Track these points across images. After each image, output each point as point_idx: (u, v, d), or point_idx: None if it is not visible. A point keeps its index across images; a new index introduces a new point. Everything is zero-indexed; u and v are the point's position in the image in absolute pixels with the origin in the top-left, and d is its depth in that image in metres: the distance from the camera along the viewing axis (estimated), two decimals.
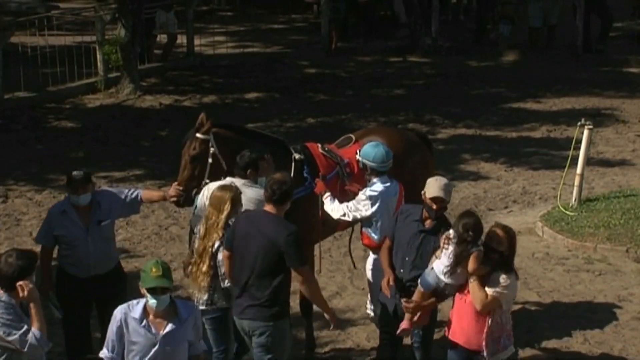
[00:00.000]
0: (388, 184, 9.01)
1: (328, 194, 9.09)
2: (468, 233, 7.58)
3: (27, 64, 18.50)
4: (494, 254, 7.62)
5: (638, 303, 10.71)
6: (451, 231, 7.75)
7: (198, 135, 9.10)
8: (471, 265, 7.62)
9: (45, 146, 16.01)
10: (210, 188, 8.59)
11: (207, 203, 8.38)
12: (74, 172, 8.73)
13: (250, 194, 8.46)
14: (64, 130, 16.92)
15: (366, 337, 9.91)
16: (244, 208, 8.24)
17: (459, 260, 7.63)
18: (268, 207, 7.92)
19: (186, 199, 9.09)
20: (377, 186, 8.97)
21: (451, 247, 7.69)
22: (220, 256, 8.10)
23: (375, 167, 9.01)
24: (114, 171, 14.80)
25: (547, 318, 10.31)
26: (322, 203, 9.09)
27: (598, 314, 10.46)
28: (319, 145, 9.67)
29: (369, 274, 9.19)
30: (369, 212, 8.90)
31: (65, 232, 8.55)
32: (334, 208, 8.99)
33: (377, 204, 8.89)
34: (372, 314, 9.43)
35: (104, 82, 18.85)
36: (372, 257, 9.11)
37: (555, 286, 11.11)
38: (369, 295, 9.53)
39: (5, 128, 16.73)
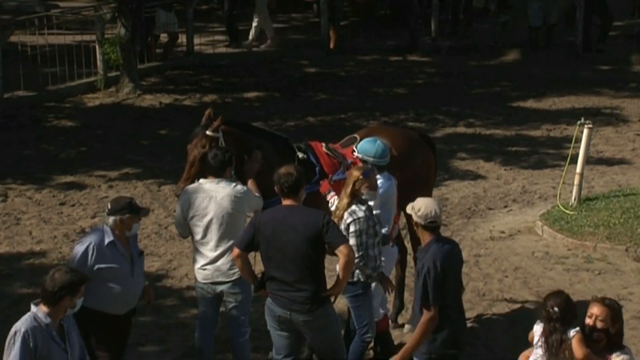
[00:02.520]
0: (390, 181, 9.05)
1: (333, 193, 9.14)
2: (553, 310, 7.14)
3: (27, 63, 18.50)
4: (598, 333, 7.09)
5: (638, 302, 10.71)
6: (536, 327, 7.36)
7: (208, 132, 9.07)
8: (578, 351, 7.10)
9: (45, 145, 16.01)
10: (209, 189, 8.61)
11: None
12: (128, 199, 8.28)
13: (229, 191, 8.60)
14: (63, 129, 16.92)
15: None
16: (220, 206, 8.41)
17: (554, 348, 7.17)
18: (287, 202, 8.04)
19: None
20: (380, 183, 9.01)
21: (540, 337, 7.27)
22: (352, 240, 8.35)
23: (375, 163, 9.05)
24: (113, 170, 14.81)
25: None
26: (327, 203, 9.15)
27: None
28: (323, 144, 9.71)
29: None
30: (375, 211, 8.91)
31: (112, 265, 8.02)
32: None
33: (382, 201, 8.98)
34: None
35: (103, 81, 18.84)
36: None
37: (555, 285, 11.09)
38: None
39: (4, 127, 16.73)
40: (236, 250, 8.10)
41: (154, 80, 19.76)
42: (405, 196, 9.80)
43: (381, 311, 9.45)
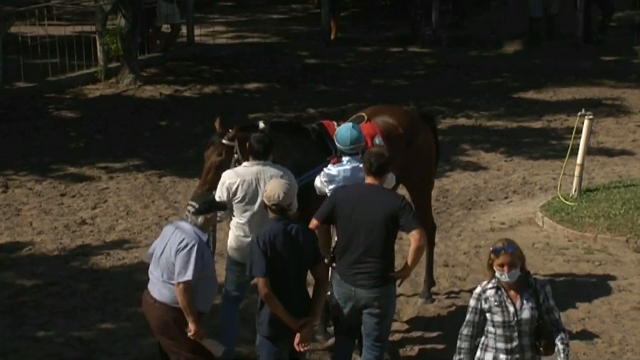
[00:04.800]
0: (357, 165, 9.10)
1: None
2: None
3: (27, 54, 18.50)
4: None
5: (638, 293, 10.72)
6: None
7: (224, 141, 9.29)
8: None
9: (45, 136, 16.01)
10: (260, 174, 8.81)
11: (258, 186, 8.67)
12: (209, 196, 8.57)
13: (272, 172, 8.80)
14: (64, 120, 16.92)
15: None
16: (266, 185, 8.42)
17: None
18: (369, 179, 8.33)
19: None
20: (340, 166, 9.15)
21: None
22: None
23: (346, 151, 9.21)
24: (114, 161, 14.81)
25: None
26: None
27: (598, 304, 10.47)
28: (335, 123, 9.92)
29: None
30: (325, 190, 9.12)
31: (210, 263, 8.26)
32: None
33: (334, 184, 9.08)
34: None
35: (104, 72, 18.82)
36: None
37: (555, 276, 11.11)
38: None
39: (5, 118, 16.72)
40: (314, 221, 8.41)
41: (154, 71, 19.74)
42: (411, 173, 10.01)
43: None
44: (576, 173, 13.00)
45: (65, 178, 14.19)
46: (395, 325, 9.87)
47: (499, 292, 7.26)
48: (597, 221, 12.20)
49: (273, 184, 8.16)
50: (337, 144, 9.33)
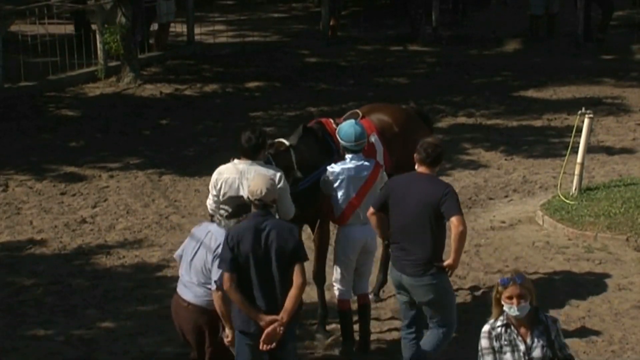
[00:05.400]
0: (358, 163, 9.23)
1: None
2: None
3: (27, 52, 18.49)
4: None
5: (638, 292, 10.72)
6: None
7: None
8: None
9: (46, 135, 16.01)
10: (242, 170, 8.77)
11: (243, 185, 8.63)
12: (240, 199, 8.45)
13: (259, 171, 8.69)
14: (64, 119, 16.91)
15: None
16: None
17: None
18: (421, 169, 8.49)
19: None
20: (344, 164, 9.24)
21: None
22: None
23: (351, 147, 9.26)
24: (114, 160, 14.81)
25: (547, 307, 10.30)
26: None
27: (598, 303, 10.47)
28: (332, 120, 9.92)
29: (335, 246, 9.54)
30: (330, 188, 9.24)
31: None
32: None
33: (334, 179, 9.20)
34: (335, 285, 9.56)
35: (104, 71, 18.81)
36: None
37: (555, 275, 11.11)
38: (334, 268, 9.58)
39: (5, 117, 16.72)
40: (371, 209, 8.62)
41: (154, 70, 19.74)
42: (408, 171, 9.98)
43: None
44: (576, 172, 12.99)
45: (65, 177, 14.19)
46: (395, 324, 9.88)
47: (509, 330, 6.84)
48: (598, 220, 12.20)
49: (257, 179, 8.12)
50: (341, 141, 9.33)
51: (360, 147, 9.30)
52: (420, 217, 8.37)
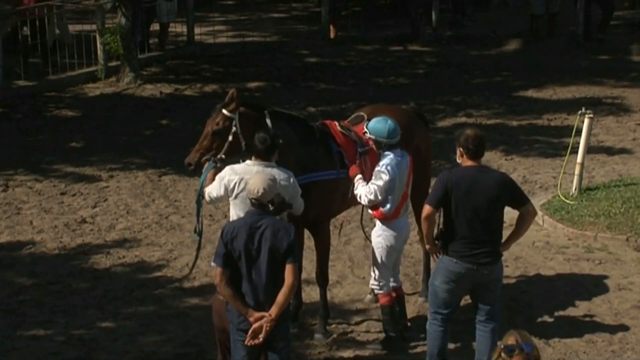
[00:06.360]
0: (400, 158, 9.27)
1: (359, 176, 9.37)
2: None
3: (27, 52, 18.49)
4: None
5: (638, 292, 10.72)
6: None
7: (224, 111, 9.19)
8: None
9: (46, 135, 16.01)
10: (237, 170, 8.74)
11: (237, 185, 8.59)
12: (280, 196, 8.35)
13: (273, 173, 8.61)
14: (64, 119, 16.92)
15: (366, 326, 9.94)
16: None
17: None
18: (472, 162, 8.55)
19: (197, 167, 9.17)
20: (391, 158, 9.22)
21: None
22: None
23: (387, 142, 9.25)
24: (114, 160, 14.81)
25: (547, 307, 10.32)
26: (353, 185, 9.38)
27: (598, 303, 10.47)
28: (337, 123, 9.87)
29: (374, 241, 9.41)
30: (385, 184, 9.15)
31: None
32: (362, 193, 9.24)
33: (392, 175, 9.16)
34: (374, 284, 9.51)
35: (104, 71, 18.82)
36: (378, 225, 9.39)
37: (555, 275, 11.12)
38: (372, 268, 9.55)
39: (5, 117, 16.73)
40: (428, 208, 8.54)
41: (154, 70, 19.75)
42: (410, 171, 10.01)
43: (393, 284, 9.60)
44: (576, 172, 13.00)
45: (65, 177, 14.19)
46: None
47: None
48: (597, 220, 12.20)
49: (256, 178, 8.03)
50: (374, 137, 9.27)
51: (397, 141, 9.28)
52: (493, 209, 8.51)
